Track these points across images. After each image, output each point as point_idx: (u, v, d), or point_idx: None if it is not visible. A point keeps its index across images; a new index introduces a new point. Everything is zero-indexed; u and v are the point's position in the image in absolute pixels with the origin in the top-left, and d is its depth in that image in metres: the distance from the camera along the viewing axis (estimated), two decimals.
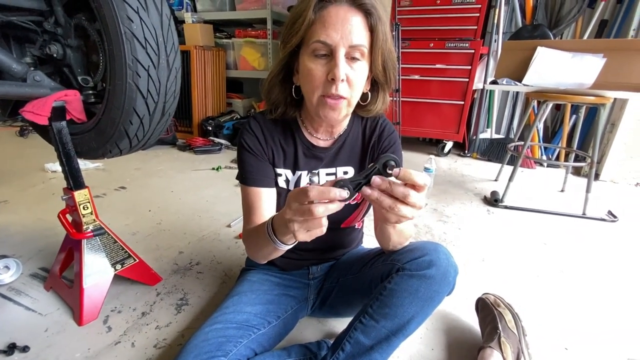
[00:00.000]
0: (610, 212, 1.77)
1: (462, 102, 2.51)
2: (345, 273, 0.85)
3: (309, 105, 0.67)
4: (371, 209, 0.78)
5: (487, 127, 2.78)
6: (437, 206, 1.80)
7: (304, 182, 0.78)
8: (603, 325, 0.99)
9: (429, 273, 0.63)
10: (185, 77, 2.89)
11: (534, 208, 1.79)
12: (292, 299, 0.86)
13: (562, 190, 2.09)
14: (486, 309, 0.89)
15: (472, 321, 0.97)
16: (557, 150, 2.56)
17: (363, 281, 0.79)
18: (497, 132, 2.82)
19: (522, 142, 2.04)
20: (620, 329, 0.98)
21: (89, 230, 0.97)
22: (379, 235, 0.72)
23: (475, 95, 2.69)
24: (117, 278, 1.04)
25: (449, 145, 2.75)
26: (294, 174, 0.78)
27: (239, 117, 3.12)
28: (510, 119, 2.79)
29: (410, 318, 0.63)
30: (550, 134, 2.69)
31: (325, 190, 0.46)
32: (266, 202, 0.75)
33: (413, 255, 0.66)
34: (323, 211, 0.47)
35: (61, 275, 1.07)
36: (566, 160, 2.47)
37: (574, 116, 2.51)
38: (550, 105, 1.77)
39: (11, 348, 0.84)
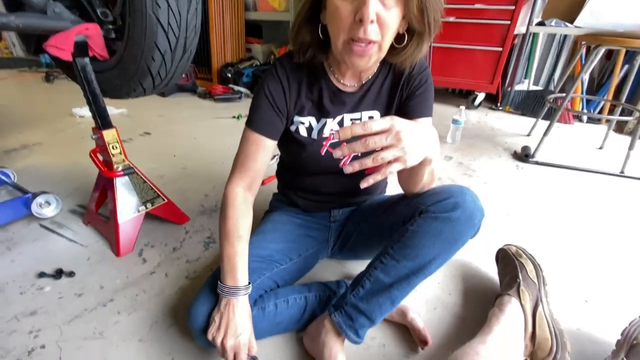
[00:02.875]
0: None
1: (500, 49, 2.29)
2: (367, 217, 0.86)
3: (335, 50, 0.63)
4: None
5: (525, 78, 2.56)
6: (463, 160, 1.74)
7: (327, 130, 0.75)
8: (626, 282, 0.97)
9: (454, 215, 0.62)
10: (203, 20, 2.75)
11: (567, 165, 1.70)
12: (313, 239, 0.88)
13: (600, 148, 1.96)
14: (507, 259, 0.88)
15: (491, 272, 0.97)
16: (602, 103, 2.35)
17: (384, 225, 0.79)
18: (536, 83, 2.60)
19: (564, 94, 1.88)
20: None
21: (119, 169, 1.00)
22: (405, 179, 0.70)
23: (515, 41, 2.44)
24: (148, 216, 1.09)
25: (481, 97, 2.58)
26: (318, 121, 0.76)
27: (258, 63, 3.01)
28: (552, 69, 2.55)
29: (431, 259, 0.63)
30: (595, 87, 2.46)
31: None
32: (264, 154, 0.74)
33: (437, 198, 0.64)
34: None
35: (97, 212, 1.13)
36: (610, 114, 2.28)
37: (626, 66, 2.26)
38: (602, 51, 1.58)
39: (59, 273, 0.92)
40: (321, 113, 0.75)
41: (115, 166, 1.00)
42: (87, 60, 0.88)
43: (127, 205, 1.02)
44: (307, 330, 0.74)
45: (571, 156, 1.82)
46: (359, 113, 0.75)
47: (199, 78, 3.02)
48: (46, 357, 0.72)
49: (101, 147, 1.00)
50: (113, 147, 0.99)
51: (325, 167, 0.79)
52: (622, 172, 1.64)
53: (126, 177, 1.02)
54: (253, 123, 0.72)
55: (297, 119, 0.75)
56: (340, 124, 0.75)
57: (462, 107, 1.89)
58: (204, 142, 1.86)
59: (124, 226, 1.01)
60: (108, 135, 0.97)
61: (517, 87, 2.56)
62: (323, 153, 0.76)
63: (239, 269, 0.66)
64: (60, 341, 0.75)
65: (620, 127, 2.25)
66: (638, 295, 0.93)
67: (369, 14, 0.53)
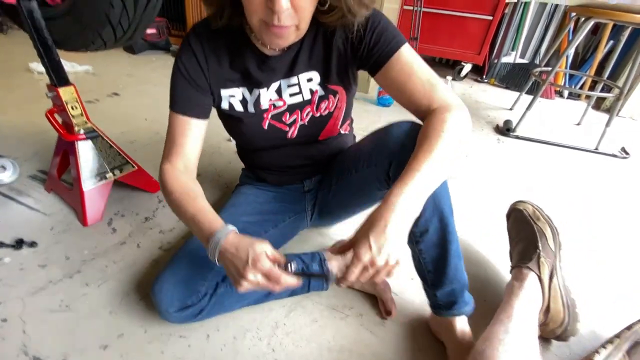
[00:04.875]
0: (623, 149, 1.71)
1: (491, 17, 2.22)
2: (337, 179, 0.81)
3: (252, 26, 0.55)
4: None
5: (512, 50, 2.53)
6: None
7: (264, 100, 0.69)
8: (592, 253, 1.02)
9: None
10: None
11: (546, 140, 1.73)
12: (289, 210, 0.85)
13: (578, 124, 1.99)
14: (522, 221, 0.83)
15: (469, 240, 0.99)
16: (584, 79, 2.37)
17: (355, 186, 0.76)
18: (522, 56, 2.57)
19: (549, 68, 1.87)
20: (610, 258, 1.01)
21: (81, 132, 0.91)
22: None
23: (506, 10, 2.37)
24: (118, 184, 1.03)
25: (467, 68, 2.53)
26: (251, 92, 0.69)
27: None
28: (539, 41, 2.51)
29: (440, 189, 0.59)
30: (579, 63, 2.47)
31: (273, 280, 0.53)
32: (193, 136, 0.67)
33: (387, 154, 0.63)
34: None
35: (60, 178, 1.05)
36: (591, 91, 2.31)
37: (611, 42, 2.26)
38: (590, 25, 1.56)
39: (19, 243, 0.86)
40: (252, 84, 0.68)
41: (76, 128, 0.91)
42: (34, 4, 0.76)
43: (92, 172, 0.95)
44: (430, 321, 0.74)
45: (550, 131, 1.85)
46: (296, 77, 0.68)
47: (173, 35, 2.79)
48: (9, 330, 0.68)
49: (59, 106, 0.90)
50: (72, 107, 0.89)
51: (273, 140, 0.74)
52: (596, 148, 1.68)
53: (89, 141, 0.94)
54: (174, 104, 0.66)
55: (224, 92, 0.68)
56: (279, 92, 0.69)
57: (449, 78, 1.86)
58: None
59: (90, 194, 0.94)
60: (65, 93, 0.87)
61: (504, 60, 2.53)
62: (266, 127, 0.71)
63: (210, 218, 0.58)
64: (23, 314, 0.71)
65: (598, 104, 2.29)
66: (599, 271, 0.97)
67: (281, 6, 0.48)
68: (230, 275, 0.55)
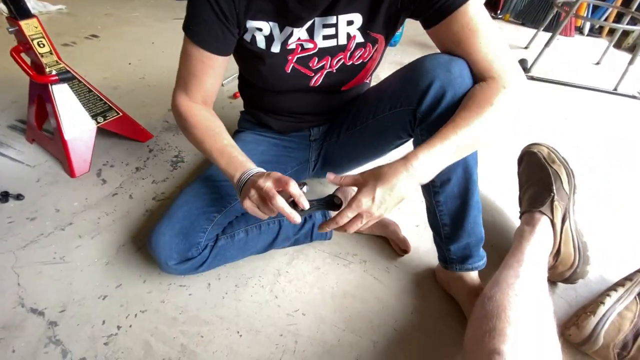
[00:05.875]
0: None
1: None
2: (348, 126, 0.74)
3: None
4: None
5: None
6: None
7: (293, 40, 0.58)
8: (609, 196, 0.98)
9: (454, 98, 0.52)
10: None
11: (562, 80, 1.61)
12: (292, 159, 0.79)
13: (597, 63, 1.85)
14: (536, 164, 0.78)
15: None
16: (609, 11, 2.16)
17: (370, 134, 0.69)
18: None
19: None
20: (629, 201, 0.98)
21: (52, 73, 0.82)
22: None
23: None
24: (104, 132, 0.96)
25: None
26: (281, 30, 0.58)
27: None
28: None
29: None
30: None
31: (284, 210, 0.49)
32: (213, 73, 0.60)
33: (420, 90, 0.54)
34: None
35: (42, 128, 0.98)
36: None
37: None
38: None
39: (4, 195, 0.81)
40: (285, 19, 0.56)
41: (47, 69, 0.81)
42: None
43: (73, 119, 0.87)
44: (437, 274, 0.72)
45: (568, 71, 1.72)
46: (334, 17, 0.57)
47: None
48: (2, 283, 0.66)
49: (24, 43, 0.80)
50: (39, 44, 0.79)
51: (293, 86, 0.65)
52: (615, 89, 1.57)
53: (65, 85, 0.85)
54: (194, 34, 0.56)
55: (251, 24, 0.57)
56: (310, 32, 0.58)
57: None
58: (163, 47, 1.60)
59: (73, 143, 0.87)
60: (28, 27, 0.77)
61: None
62: (289, 70, 0.61)
63: (237, 156, 0.57)
64: (16, 267, 0.69)
65: (619, 43, 2.11)
66: (617, 214, 0.94)
67: None
68: (246, 190, 0.52)
